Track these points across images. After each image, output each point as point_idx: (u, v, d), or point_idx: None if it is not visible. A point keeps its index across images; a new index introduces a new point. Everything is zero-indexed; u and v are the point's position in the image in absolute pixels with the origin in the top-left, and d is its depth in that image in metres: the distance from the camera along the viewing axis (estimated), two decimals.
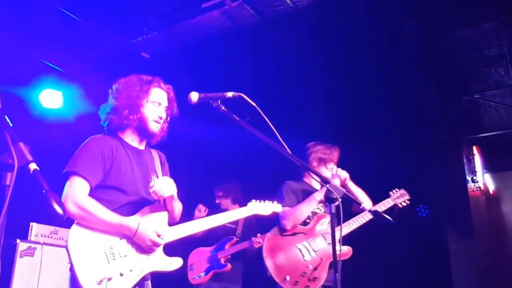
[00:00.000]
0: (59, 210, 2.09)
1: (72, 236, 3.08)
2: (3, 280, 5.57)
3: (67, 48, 7.00)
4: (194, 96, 3.37)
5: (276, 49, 7.07)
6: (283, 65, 7.24)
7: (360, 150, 6.54)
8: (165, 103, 3.65)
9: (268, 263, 4.76)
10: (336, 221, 3.01)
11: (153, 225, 3.27)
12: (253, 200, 4.15)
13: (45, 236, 6.25)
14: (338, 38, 6.65)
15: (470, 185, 8.04)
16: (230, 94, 3.30)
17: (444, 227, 6.84)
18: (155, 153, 3.75)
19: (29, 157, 2.12)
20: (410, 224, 5.61)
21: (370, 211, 3.10)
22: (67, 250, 3.03)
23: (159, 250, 3.33)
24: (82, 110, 7.52)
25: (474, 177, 8.21)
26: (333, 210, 2.92)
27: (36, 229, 6.22)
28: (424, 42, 6.55)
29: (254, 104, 3.20)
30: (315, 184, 5.18)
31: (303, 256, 4.75)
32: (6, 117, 2.16)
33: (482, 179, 8.62)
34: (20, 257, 5.85)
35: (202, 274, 6.13)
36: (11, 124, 2.14)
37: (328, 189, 2.92)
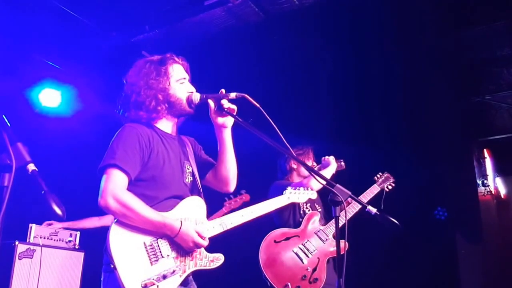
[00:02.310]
0: (58, 211, 2.09)
1: (113, 237, 2.94)
2: (2, 282, 5.56)
3: (66, 46, 6.97)
4: (196, 96, 3.32)
5: (280, 47, 7.04)
6: (287, 64, 7.21)
7: (369, 152, 6.51)
8: (187, 75, 3.48)
9: (267, 273, 4.72)
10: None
11: (195, 225, 3.16)
12: (289, 188, 4.02)
13: (44, 238, 6.17)
14: (345, 36, 6.62)
15: (481, 189, 8.00)
16: (233, 94, 3.24)
17: (454, 231, 6.76)
18: (186, 140, 3.60)
19: (28, 158, 2.11)
20: (419, 227, 5.52)
21: (376, 214, 2.98)
22: (108, 252, 2.90)
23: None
24: (80, 108, 7.51)
25: (485, 181, 8.18)
26: (338, 213, 2.92)
27: (36, 231, 6.14)
28: (435, 43, 6.52)
29: (257, 105, 3.11)
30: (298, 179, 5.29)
31: (301, 260, 4.78)
32: (4, 117, 2.15)
33: (493, 183, 8.57)
34: (19, 259, 5.79)
35: None
36: (9, 124, 2.13)
37: (333, 192, 2.89)
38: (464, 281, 6.66)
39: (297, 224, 5.00)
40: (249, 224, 3.57)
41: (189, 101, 3.34)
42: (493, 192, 8.39)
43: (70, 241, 6.43)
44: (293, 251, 4.80)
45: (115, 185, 2.99)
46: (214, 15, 6.61)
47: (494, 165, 8.58)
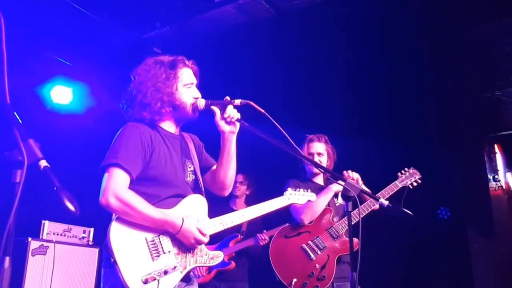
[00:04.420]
0: (71, 207, 2.05)
1: (113, 233, 2.96)
2: (15, 279, 5.58)
3: (78, 43, 7.00)
4: (201, 102, 3.34)
5: (291, 44, 7.02)
6: (298, 61, 7.19)
7: (379, 147, 6.49)
8: (195, 80, 3.48)
9: (275, 268, 4.75)
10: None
11: (197, 222, 3.18)
12: (289, 189, 3.99)
13: (57, 234, 6.21)
14: (355, 33, 6.59)
15: (492, 184, 7.93)
16: (237, 101, 3.27)
17: (465, 227, 6.74)
18: (188, 138, 3.60)
19: (39, 154, 2.09)
20: (430, 222, 5.52)
21: (388, 206, 2.99)
22: (109, 248, 2.92)
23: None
24: (91, 105, 7.55)
25: (496, 176, 8.11)
26: (350, 208, 2.93)
27: (49, 227, 6.18)
28: (445, 38, 6.48)
29: (262, 110, 3.15)
30: (321, 181, 5.20)
31: (309, 256, 4.75)
32: (16, 113, 2.13)
33: (504, 178, 8.52)
34: (32, 255, 5.84)
35: (204, 273, 6.03)
36: (20, 121, 2.11)
37: (344, 187, 2.92)
38: (477, 275, 6.63)
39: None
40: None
41: (194, 107, 3.35)
42: (504, 187, 8.32)
43: (83, 237, 6.46)
44: (302, 247, 4.79)
45: (117, 183, 3.02)
46: (224, 12, 6.62)
47: (504, 160, 8.53)
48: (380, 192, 4.85)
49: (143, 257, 2.97)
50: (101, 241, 6.63)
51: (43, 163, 2.07)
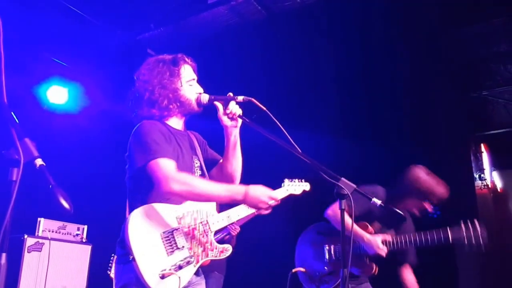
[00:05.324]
0: (65, 205, 2.07)
1: (131, 230, 2.98)
2: (11, 275, 5.63)
3: (73, 44, 7.04)
4: (204, 97, 3.40)
5: (284, 45, 7.08)
6: (291, 62, 7.24)
7: (366, 146, 6.53)
8: (195, 76, 3.54)
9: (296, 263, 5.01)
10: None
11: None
12: (286, 180, 4.09)
13: (53, 231, 6.28)
14: (346, 34, 6.65)
15: (478, 182, 8.01)
16: (240, 98, 3.32)
17: (450, 224, 6.81)
18: (192, 135, 3.65)
19: (35, 153, 2.11)
20: (415, 220, 5.60)
21: (381, 205, 3.03)
22: (126, 245, 2.96)
23: (211, 238, 3.30)
24: (87, 105, 7.59)
25: (482, 175, 8.19)
26: (343, 206, 2.95)
27: (44, 225, 6.25)
28: (435, 40, 6.53)
29: (264, 108, 3.22)
30: None
31: (326, 257, 4.89)
32: (12, 113, 2.15)
33: (490, 177, 8.59)
34: (28, 252, 5.90)
35: None
36: (17, 120, 2.13)
37: (338, 186, 2.94)
38: (462, 271, 6.67)
39: None
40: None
41: (198, 101, 3.41)
42: (489, 186, 8.39)
43: (77, 234, 6.54)
44: (324, 247, 4.95)
45: (169, 170, 3.06)
46: (217, 14, 6.69)
47: (490, 159, 8.58)
48: None
49: (159, 253, 3.01)
50: (94, 239, 6.75)
51: (39, 161, 2.09)
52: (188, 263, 3.10)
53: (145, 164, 3.09)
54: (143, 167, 3.11)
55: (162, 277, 2.93)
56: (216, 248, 3.31)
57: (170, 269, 2.97)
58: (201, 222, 3.29)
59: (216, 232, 5.87)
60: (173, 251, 3.07)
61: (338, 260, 4.82)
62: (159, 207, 3.14)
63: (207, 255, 3.24)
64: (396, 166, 5.15)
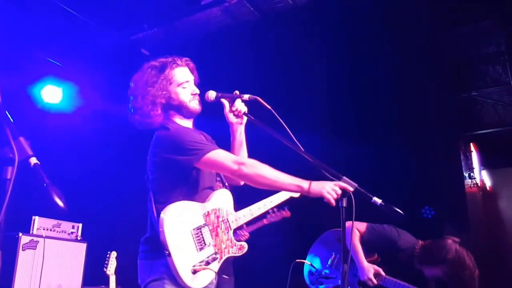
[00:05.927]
0: (60, 203, 2.08)
1: (166, 227, 3.04)
2: (6, 273, 5.63)
3: (68, 44, 7.06)
4: (212, 94, 3.46)
5: (276, 46, 7.12)
6: (282, 62, 7.27)
7: (357, 146, 6.55)
8: (191, 77, 3.53)
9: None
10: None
11: None
12: None
13: (47, 230, 6.28)
14: (337, 35, 6.70)
15: (467, 181, 8.09)
16: (246, 96, 3.41)
17: (441, 223, 6.88)
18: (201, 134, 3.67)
19: (30, 152, 2.13)
20: (405, 219, 5.68)
21: (381, 204, 3.02)
22: (161, 241, 3.02)
23: (231, 235, 3.39)
24: (80, 105, 7.61)
25: (471, 174, 8.27)
26: (344, 204, 2.98)
27: (39, 223, 6.25)
28: (425, 42, 6.60)
29: (269, 106, 3.29)
30: None
31: (328, 262, 5.20)
32: (7, 112, 2.17)
33: (479, 176, 8.67)
34: (23, 250, 5.89)
35: None
36: (11, 119, 2.16)
37: None
38: None
39: None
40: None
41: (192, 105, 3.44)
42: (479, 185, 8.45)
43: (72, 232, 6.56)
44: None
45: (231, 155, 3.21)
46: (210, 14, 6.74)
47: (480, 158, 8.65)
48: None
49: (190, 248, 3.09)
50: (89, 236, 6.76)
51: (33, 160, 2.12)
52: (214, 259, 3.19)
53: (199, 157, 3.14)
54: (186, 166, 3.18)
55: (194, 272, 3.03)
56: (235, 245, 3.41)
57: (200, 265, 3.07)
58: (222, 220, 3.39)
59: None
60: (202, 247, 3.16)
61: (336, 270, 5.06)
62: (189, 204, 3.22)
63: (228, 252, 3.35)
64: (386, 166, 5.19)
